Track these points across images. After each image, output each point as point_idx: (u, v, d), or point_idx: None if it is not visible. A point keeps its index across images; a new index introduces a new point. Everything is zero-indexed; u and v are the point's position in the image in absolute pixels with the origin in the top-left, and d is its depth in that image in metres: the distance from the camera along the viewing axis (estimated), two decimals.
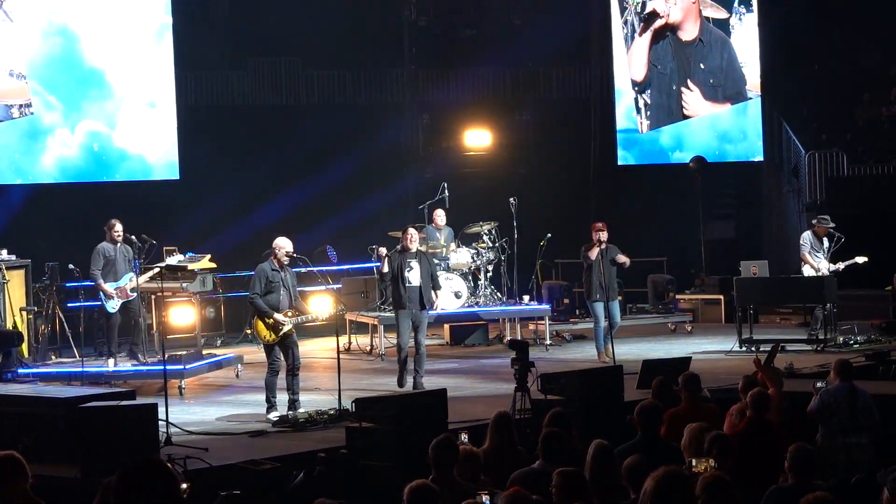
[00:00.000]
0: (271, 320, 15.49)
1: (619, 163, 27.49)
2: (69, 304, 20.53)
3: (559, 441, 10.26)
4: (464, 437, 11.59)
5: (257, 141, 24.33)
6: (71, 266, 19.88)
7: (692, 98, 27.56)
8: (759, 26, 27.70)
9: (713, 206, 26.35)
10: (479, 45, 27.26)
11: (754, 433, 11.33)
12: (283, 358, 15.67)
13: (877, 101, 26.69)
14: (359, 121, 25.27)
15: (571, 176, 26.18)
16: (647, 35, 27.57)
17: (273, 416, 15.28)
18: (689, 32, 27.97)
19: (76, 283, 20.22)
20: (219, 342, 21.36)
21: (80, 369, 18.45)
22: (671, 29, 27.74)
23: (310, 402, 15.94)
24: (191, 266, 19.76)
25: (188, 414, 15.47)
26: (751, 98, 28.01)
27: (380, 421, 13.17)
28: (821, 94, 26.57)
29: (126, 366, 18.74)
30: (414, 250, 16.86)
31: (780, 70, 27.65)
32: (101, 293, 18.97)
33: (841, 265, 20.42)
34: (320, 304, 18.90)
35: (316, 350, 20.69)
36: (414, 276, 16.73)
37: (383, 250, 17.36)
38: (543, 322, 21.51)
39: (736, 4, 27.78)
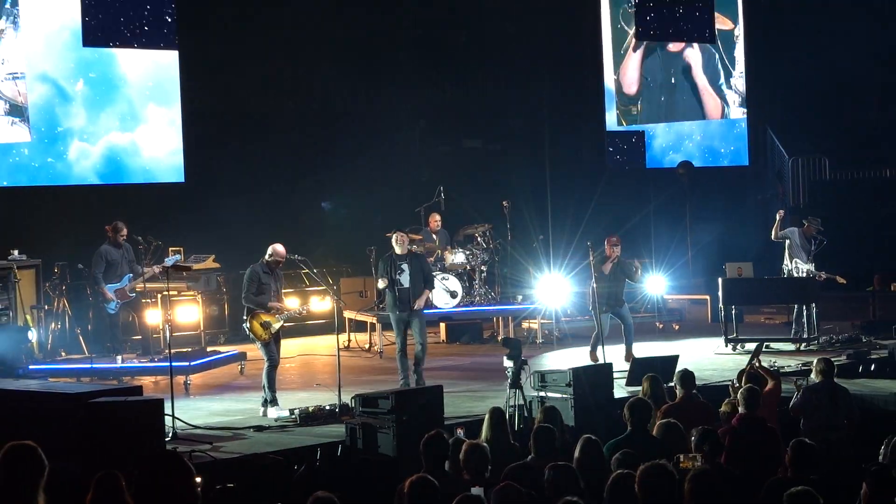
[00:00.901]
0: (262, 328, 15.62)
1: (610, 165, 27.59)
2: (77, 303, 20.51)
3: (549, 436, 10.32)
4: (459, 432, 11.67)
5: (259, 144, 24.29)
6: (80, 265, 19.95)
7: (681, 105, 27.66)
8: (744, 36, 27.79)
9: (700, 209, 26.37)
10: (473, 51, 27.25)
11: (747, 429, 11.39)
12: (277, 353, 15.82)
13: (858, 108, 26.76)
14: (357, 124, 25.27)
15: (563, 179, 26.15)
16: (640, 50, 27.69)
17: (273, 412, 15.34)
18: (676, 44, 28.03)
19: (84, 282, 20.25)
20: (222, 339, 21.40)
21: (89, 366, 18.53)
22: None
23: (311, 397, 16.02)
24: (195, 266, 19.84)
25: (193, 409, 15.52)
26: (734, 107, 28.14)
27: (378, 416, 13.24)
28: (804, 101, 26.59)
29: (133, 362, 18.80)
30: (403, 253, 16.91)
31: (765, 78, 27.69)
32: (103, 295, 19.06)
33: (823, 275, 20.47)
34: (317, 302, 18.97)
35: (316, 347, 20.72)
36: (405, 278, 16.81)
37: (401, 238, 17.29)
38: (536, 320, 21.57)
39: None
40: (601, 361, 17.53)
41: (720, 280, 21.09)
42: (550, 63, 26.91)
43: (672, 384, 13.99)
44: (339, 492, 8.01)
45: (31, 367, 18.21)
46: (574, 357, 18.84)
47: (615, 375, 15.49)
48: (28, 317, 19.49)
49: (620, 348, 18.76)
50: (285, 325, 16.24)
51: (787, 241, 20.71)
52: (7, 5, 22.00)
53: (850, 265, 20.91)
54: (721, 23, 28.05)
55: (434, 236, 21.69)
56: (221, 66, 24.01)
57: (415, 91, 25.98)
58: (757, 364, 14.54)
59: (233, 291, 20.96)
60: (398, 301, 16.88)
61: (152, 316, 19.37)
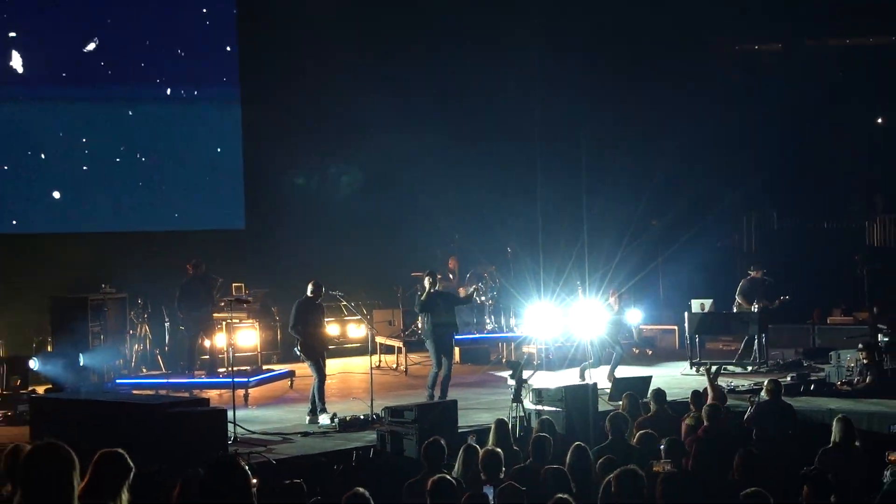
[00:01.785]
0: (308, 349, 15.72)
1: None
2: (156, 328, 20.56)
3: (545, 444, 10.34)
4: (471, 439, 11.68)
5: (306, 199, 24.32)
6: (160, 298, 20.04)
7: None
8: None
9: (668, 254, 26.35)
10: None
11: (711, 440, 11.42)
12: (324, 372, 15.87)
13: (802, 169, 26.73)
14: (385, 182, 25.27)
15: (555, 228, 26.12)
16: None
17: (321, 419, 15.38)
18: None
19: (163, 310, 20.32)
20: (275, 359, 21.41)
21: (166, 381, 18.58)
22: None
23: (348, 408, 16.04)
24: (253, 300, 19.92)
25: (251, 417, 15.56)
26: None
27: (404, 425, 13.28)
28: (756, 157, 26.55)
29: (202, 378, 18.85)
30: (437, 290, 16.92)
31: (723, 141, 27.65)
32: (181, 319, 19.16)
33: (770, 302, 20.61)
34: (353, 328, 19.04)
35: (353, 366, 20.74)
36: (439, 312, 16.77)
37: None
38: (533, 345, 21.57)
39: None
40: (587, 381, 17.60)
41: (686, 314, 21.16)
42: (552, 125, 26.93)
43: (646, 400, 14.03)
44: (370, 487, 8.06)
45: (118, 381, 18.29)
46: (565, 377, 18.82)
47: (599, 392, 15.48)
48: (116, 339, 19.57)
49: (603, 368, 18.78)
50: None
51: (739, 293, 20.97)
52: None
53: (794, 301, 20.88)
54: None
55: (451, 275, 21.74)
56: (279, 133, 24.10)
57: (438, 159, 26.04)
58: (717, 387, 14.67)
59: (284, 319, 20.97)
60: (434, 330, 16.85)
61: (218, 339, 19.42)
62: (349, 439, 14.25)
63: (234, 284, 20.42)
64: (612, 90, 25.35)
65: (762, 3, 26.57)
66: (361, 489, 7.94)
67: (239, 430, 14.20)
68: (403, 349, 21.10)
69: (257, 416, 15.90)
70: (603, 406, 15.05)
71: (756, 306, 20.59)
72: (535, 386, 15.33)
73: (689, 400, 13.94)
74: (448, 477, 8.63)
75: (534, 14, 25.60)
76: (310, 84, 24.35)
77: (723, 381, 16.59)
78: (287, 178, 24.32)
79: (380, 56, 24.28)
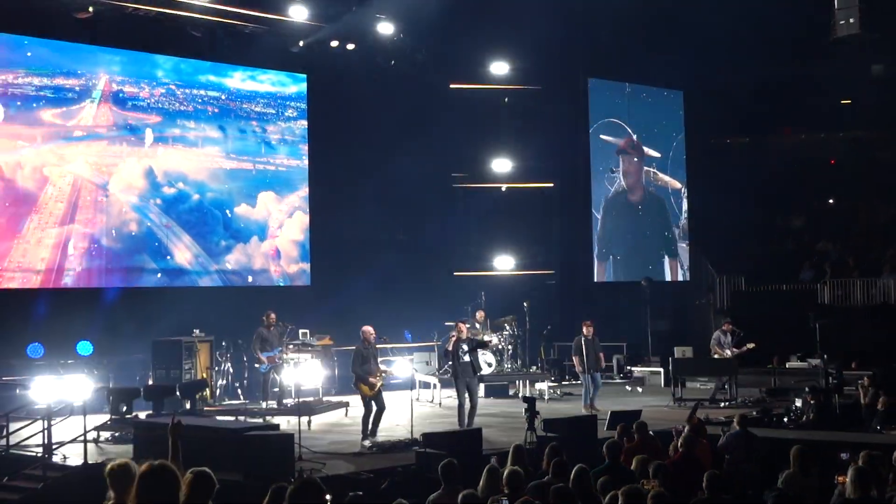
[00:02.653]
0: (366, 386, 15.68)
1: (596, 280, 27.56)
2: (237, 365, 20.57)
3: (563, 467, 10.24)
4: (493, 460, 11.57)
5: (359, 261, 24.36)
6: (240, 341, 20.07)
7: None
8: (687, 194, 27.80)
9: (656, 309, 26.31)
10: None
11: (685, 463, 11.30)
12: (374, 404, 15.78)
13: (766, 241, 26.71)
14: (426, 250, 25.34)
15: (564, 288, 26.12)
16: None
17: (367, 442, 15.32)
18: (636, 195, 28.05)
19: (242, 352, 20.35)
20: (333, 392, 21.34)
21: (244, 408, 18.57)
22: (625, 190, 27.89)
23: (391, 433, 15.97)
24: (317, 343, 19.92)
25: (313, 440, 15.46)
26: (679, 241, 28.12)
27: (438, 448, 13.19)
28: (727, 238, 26.53)
29: (273, 407, 18.82)
30: (465, 338, 16.87)
31: (700, 222, 27.66)
32: (257, 359, 19.19)
33: (739, 349, 20.56)
34: (396, 367, 19.00)
35: (396, 399, 20.70)
36: (465, 356, 16.67)
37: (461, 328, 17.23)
38: (545, 383, 21.51)
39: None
40: (594, 412, 17.55)
41: (671, 358, 21.15)
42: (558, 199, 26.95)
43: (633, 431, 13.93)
44: (411, 499, 8.03)
45: (205, 408, 18.28)
46: (570, 409, 18.73)
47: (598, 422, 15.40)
48: (204, 374, 19.57)
49: (600, 402, 18.75)
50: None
51: (713, 343, 20.89)
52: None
53: (759, 349, 20.84)
54: (672, 185, 28.13)
55: (478, 325, 21.71)
56: (338, 205, 24.25)
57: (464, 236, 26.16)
58: (695, 419, 14.52)
59: (341, 359, 20.98)
60: (461, 371, 16.68)
61: (287, 375, 19.39)
62: (393, 459, 14.15)
63: (300, 331, 20.45)
64: None
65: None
66: (404, 501, 7.94)
67: (303, 450, 14.14)
68: (438, 385, 21.05)
69: (318, 439, 15.81)
70: (601, 434, 14.95)
71: (728, 353, 20.58)
72: (546, 417, 15.27)
73: (671, 430, 13.85)
74: (474, 492, 8.59)
75: None
76: (363, 161, 24.56)
77: (700, 414, 16.43)
78: (344, 246, 24.37)
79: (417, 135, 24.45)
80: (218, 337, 20.29)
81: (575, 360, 19.84)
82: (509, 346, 22.16)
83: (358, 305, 21.59)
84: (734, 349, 20.66)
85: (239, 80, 23.60)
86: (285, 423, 16.47)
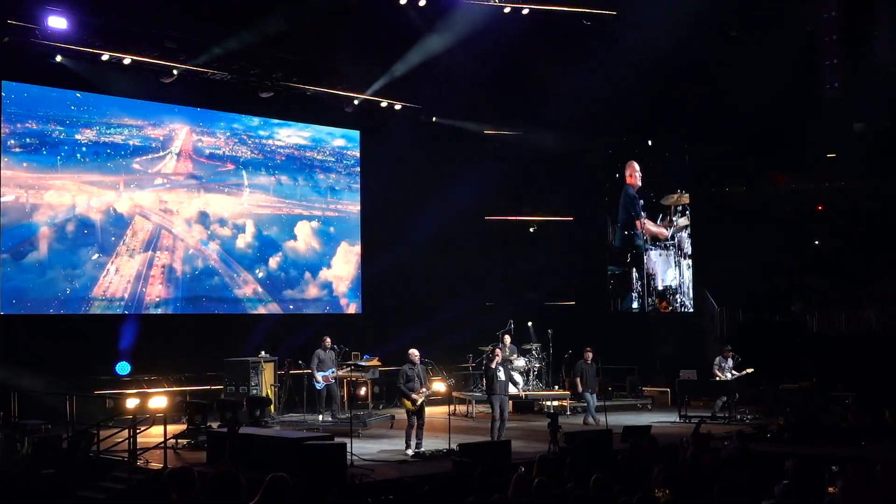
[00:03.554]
0: (410, 402, 15.58)
1: (611, 309, 27.42)
2: (297, 382, 20.53)
3: (582, 475, 10.09)
4: (521, 468, 11.43)
5: (402, 291, 24.38)
6: (300, 361, 20.04)
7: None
8: (691, 232, 27.58)
9: (663, 337, 26.11)
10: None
11: (694, 472, 11.11)
12: (416, 418, 15.67)
13: (761, 278, 26.46)
14: (461, 281, 25.29)
15: (585, 318, 25.92)
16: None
17: (410, 451, 15.22)
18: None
19: (302, 371, 20.32)
20: (381, 406, 21.29)
21: (303, 420, 18.52)
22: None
23: (431, 444, 15.86)
24: (366, 364, 19.87)
25: (363, 449, 15.38)
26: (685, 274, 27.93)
27: (472, 457, 13.07)
28: (727, 275, 26.28)
29: (328, 419, 18.76)
30: (498, 360, 16.78)
31: (705, 258, 27.42)
32: (314, 378, 19.16)
33: (739, 372, 20.36)
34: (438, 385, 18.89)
35: (436, 413, 20.57)
36: (501, 375, 16.56)
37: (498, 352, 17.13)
38: (566, 401, 21.33)
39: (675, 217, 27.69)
40: (595, 426, 17.48)
41: (677, 380, 20.94)
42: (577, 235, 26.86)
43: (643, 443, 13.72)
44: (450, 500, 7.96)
45: (269, 420, 18.25)
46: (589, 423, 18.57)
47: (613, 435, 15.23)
48: (268, 390, 19.55)
49: (614, 418, 18.55)
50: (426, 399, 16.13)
51: (715, 367, 20.67)
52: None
53: (755, 373, 20.66)
54: (661, 234, 27.90)
55: (507, 349, 21.57)
56: (385, 240, 24.31)
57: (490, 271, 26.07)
58: (701, 433, 14.32)
59: (387, 379, 20.91)
60: (496, 389, 16.58)
61: (341, 392, 19.34)
62: (433, 467, 14.05)
63: (352, 353, 20.41)
64: None
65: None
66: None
67: (354, 458, 14.06)
68: (472, 401, 20.92)
69: (367, 448, 15.73)
70: (616, 446, 14.77)
71: (728, 375, 20.37)
72: (567, 431, 15.11)
73: (678, 443, 13.65)
74: (507, 496, 8.49)
75: None
76: (408, 202, 24.63)
77: (703, 430, 16.18)
78: (391, 278, 24.38)
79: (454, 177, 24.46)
80: (281, 358, 20.27)
81: (577, 381, 20.03)
82: (535, 368, 22.00)
83: (403, 330, 21.50)
84: (734, 372, 20.46)
85: (301, 134, 23.82)
86: (338, 433, 16.45)
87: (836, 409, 19.06)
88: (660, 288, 27.42)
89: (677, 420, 19.65)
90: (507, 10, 21.89)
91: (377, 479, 12.75)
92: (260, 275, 22.72)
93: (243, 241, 22.54)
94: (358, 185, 24.71)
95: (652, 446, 12.75)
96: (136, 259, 20.75)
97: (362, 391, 20.86)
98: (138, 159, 20.97)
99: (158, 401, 17.04)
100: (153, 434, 15.03)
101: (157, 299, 21.06)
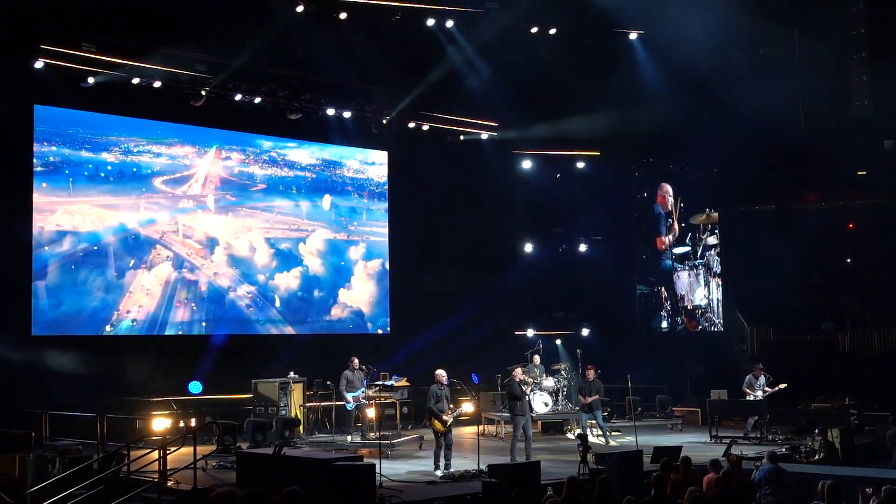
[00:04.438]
0: (439, 423, 15.53)
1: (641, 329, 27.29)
2: (326, 402, 20.54)
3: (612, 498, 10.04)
4: (549, 490, 11.38)
5: (433, 309, 24.37)
6: (328, 382, 20.05)
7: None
8: (721, 251, 27.41)
9: (693, 357, 25.92)
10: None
11: (724, 495, 11.05)
12: (444, 438, 15.61)
13: (792, 296, 26.28)
14: (491, 302, 25.22)
15: (614, 338, 25.78)
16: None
17: (439, 472, 15.17)
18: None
19: (331, 391, 20.33)
20: (409, 427, 21.24)
21: (332, 441, 18.51)
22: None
23: (460, 464, 15.78)
24: (395, 384, 19.86)
25: (392, 469, 15.32)
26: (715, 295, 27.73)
27: (502, 478, 12.99)
28: (757, 294, 26.10)
29: (357, 440, 18.73)
30: (522, 380, 16.72)
31: (735, 278, 27.26)
32: (343, 399, 19.14)
33: (773, 389, 20.19)
34: (466, 406, 18.85)
35: (464, 433, 20.49)
36: (522, 396, 16.54)
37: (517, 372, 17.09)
38: (595, 421, 21.16)
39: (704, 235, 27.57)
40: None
41: (707, 400, 20.78)
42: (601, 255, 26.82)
43: (677, 463, 13.59)
44: None
45: (298, 441, 18.26)
46: (616, 444, 18.42)
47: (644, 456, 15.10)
48: (297, 411, 19.56)
49: (644, 438, 18.31)
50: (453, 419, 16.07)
51: (745, 385, 20.50)
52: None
53: (786, 393, 20.46)
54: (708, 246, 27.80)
55: (535, 369, 21.50)
56: (416, 261, 24.34)
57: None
58: (732, 456, 14.23)
59: (415, 398, 20.88)
60: (521, 409, 16.56)
61: (369, 412, 19.33)
62: (463, 487, 13.98)
63: (381, 373, 20.40)
64: None
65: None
66: None
67: (383, 478, 14.01)
68: (501, 421, 20.82)
69: (396, 469, 15.68)
70: (646, 468, 14.64)
71: (759, 394, 20.18)
72: (597, 451, 15.01)
73: (708, 464, 13.53)
74: None
75: None
76: (437, 223, 24.64)
77: (734, 451, 16.05)
78: (419, 300, 24.42)
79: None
80: (310, 378, 20.30)
81: (580, 396, 19.99)
82: (564, 389, 21.89)
83: (431, 351, 21.48)
84: (766, 389, 20.26)
85: (329, 155, 23.94)
86: (367, 453, 16.39)
87: (871, 430, 18.84)
88: (689, 307, 27.27)
89: (708, 440, 19.47)
90: (533, 30, 21.89)
91: (406, 501, 12.72)
92: (287, 295, 22.80)
93: (270, 263, 22.62)
94: (386, 206, 24.79)
95: (686, 468, 12.67)
96: (161, 280, 20.86)
97: (391, 411, 20.84)
98: (165, 181, 21.13)
99: (188, 421, 17.08)
100: (183, 454, 15.05)
101: (184, 321, 21.16)
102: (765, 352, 24.80)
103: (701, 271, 27.37)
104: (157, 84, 19.80)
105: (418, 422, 21.13)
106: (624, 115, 23.86)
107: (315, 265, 23.41)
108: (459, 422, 18.94)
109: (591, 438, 18.78)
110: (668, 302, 27.47)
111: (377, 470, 13.49)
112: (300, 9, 19.39)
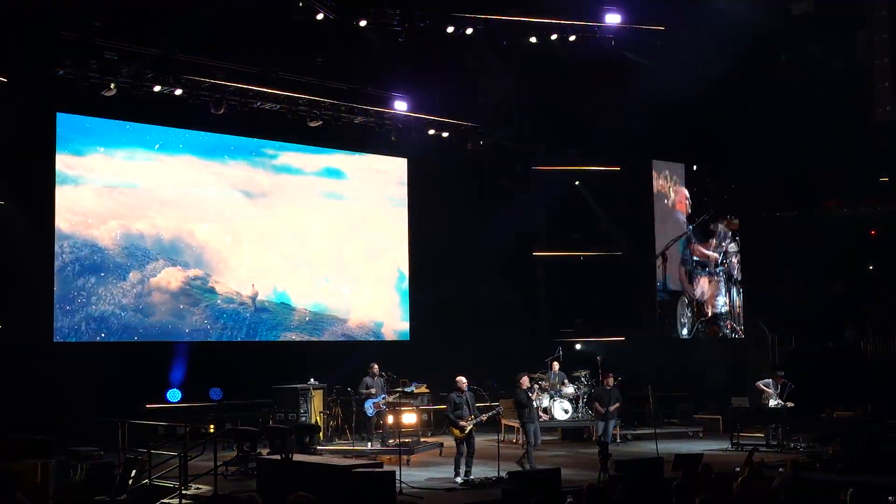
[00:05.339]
0: (458, 429, 15.52)
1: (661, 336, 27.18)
2: (346, 409, 20.59)
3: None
4: (569, 498, 11.37)
5: (453, 316, 24.40)
6: (349, 388, 20.10)
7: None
8: (742, 258, 27.34)
9: (714, 364, 25.83)
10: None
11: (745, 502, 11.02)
12: (465, 445, 15.60)
13: (816, 301, 26.19)
14: (509, 314, 25.21)
15: (632, 345, 25.71)
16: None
17: (459, 479, 15.17)
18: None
19: (350, 398, 20.36)
20: (429, 433, 21.25)
21: (351, 447, 18.54)
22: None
23: (480, 471, 15.78)
24: (415, 391, 19.87)
25: (411, 476, 15.37)
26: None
27: (522, 485, 12.98)
28: (780, 300, 26.03)
29: (376, 446, 18.75)
30: (528, 388, 16.69)
31: (755, 289, 27.20)
32: (362, 404, 19.19)
33: (790, 404, 20.09)
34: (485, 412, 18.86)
35: (484, 441, 20.49)
36: (533, 404, 16.56)
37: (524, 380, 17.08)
38: (616, 428, 21.13)
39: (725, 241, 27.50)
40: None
41: (729, 408, 20.70)
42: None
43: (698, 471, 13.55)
44: None
45: (318, 447, 18.29)
46: (637, 451, 18.38)
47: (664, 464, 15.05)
48: (317, 417, 19.61)
49: (665, 445, 18.22)
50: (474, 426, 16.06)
51: (760, 382, 20.41)
52: None
53: (807, 401, 20.39)
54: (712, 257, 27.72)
55: (555, 376, 21.49)
56: (435, 268, 24.40)
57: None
58: (754, 460, 14.13)
59: (436, 404, 20.89)
60: (529, 416, 16.57)
61: (389, 419, 19.37)
62: (482, 495, 14.01)
63: (401, 380, 20.43)
64: None
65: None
66: None
67: (403, 485, 14.03)
68: (521, 428, 20.76)
69: (416, 476, 15.71)
70: (667, 475, 14.60)
71: (773, 402, 20.10)
72: (617, 459, 14.96)
73: (730, 472, 13.48)
74: None
75: None
76: (455, 230, 24.72)
77: (755, 458, 15.94)
78: (438, 306, 24.45)
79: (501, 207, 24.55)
80: (329, 385, 20.35)
81: (596, 405, 19.95)
82: (584, 396, 21.87)
83: (451, 357, 21.52)
84: (780, 401, 20.18)
85: (348, 162, 24.00)
86: (387, 460, 16.41)
87: (894, 437, 18.73)
88: (710, 315, 27.19)
89: (729, 448, 19.40)
90: (553, 37, 21.89)
91: None
92: (306, 301, 22.85)
93: (289, 269, 22.69)
94: (405, 213, 24.82)
95: (706, 475, 12.63)
96: (182, 287, 20.97)
97: (410, 418, 20.88)
98: (187, 188, 21.25)
99: (209, 427, 17.14)
100: (203, 461, 15.12)
101: (204, 327, 21.26)
102: (786, 360, 24.71)
103: (722, 278, 27.30)
104: (178, 92, 19.91)
105: (438, 428, 21.15)
106: (643, 122, 23.81)
107: (335, 271, 23.45)
108: (481, 429, 18.94)
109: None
110: (689, 309, 27.39)
111: (397, 477, 13.52)
112: (320, 16, 19.47)
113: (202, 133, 21.54)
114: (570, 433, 21.65)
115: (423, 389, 20.80)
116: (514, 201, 25.64)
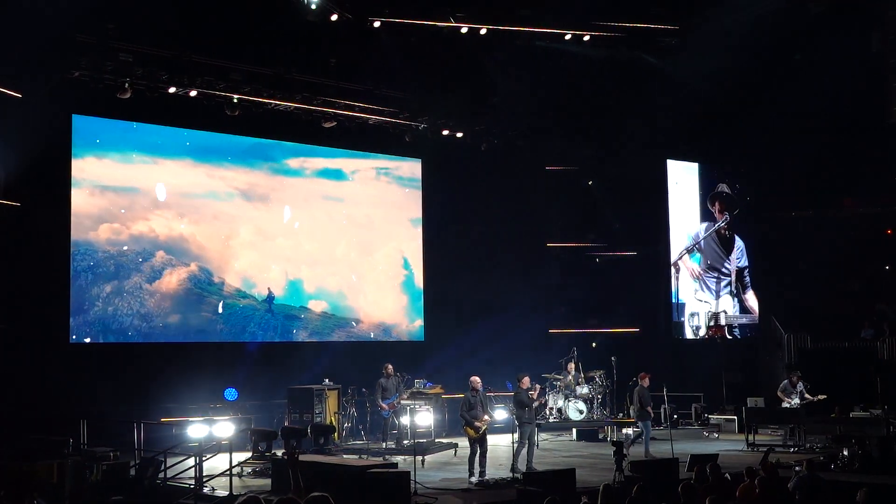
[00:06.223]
0: (472, 429, 15.52)
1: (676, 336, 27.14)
2: (361, 410, 20.58)
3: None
4: (584, 498, 11.36)
5: (467, 316, 24.38)
6: (364, 389, 20.12)
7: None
8: (757, 258, 27.29)
9: (729, 364, 25.75)
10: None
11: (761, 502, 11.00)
12: (479, 446, 15.60)
13: (832, 300, 26.10)
14: (524, 309, 25.18)
15: (649, 345, 25.66)
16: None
17: (473, 479, 15.17)
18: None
19: (365, 399, 20.38)
20: (444, 434, 21.21)
21: (366, 448, 18.56)
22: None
23: (494, 472, 15.79)
24: (429, 391, 19.88)
25: (426, 476, 15.36)
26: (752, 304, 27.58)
27: (536, 485, 13.00)
28: (796, 298, 25.95)
29: (391, 446, 18.77)
30: (528, 388, 16.67)
31: (769, 289, 27.12)
32: (378, 406, 19.21)
33: (811, 397, 20.14)
34: (499, 413, 18.87)
35: (498, 441, 20.49)
36: (533, 405, 16.58)
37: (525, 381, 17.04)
38: (631, 429, 21.08)
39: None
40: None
41: (744, 407, 20.64)
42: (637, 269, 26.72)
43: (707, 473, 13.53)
44: None
45: (333, 448, 18.32)
46: (655, 452, 18.33)
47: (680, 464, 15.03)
48: (332, 418, 19.64)
49: (680, 446, 18.21)
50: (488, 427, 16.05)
51: (780, 390, 20.36)
52: None
53: (825, 400, 20.31)
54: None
55: (570, 377, 21.47)
56: (450, 268, 24.41)
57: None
58: (769, 462, 14.12)
59: (450, 405, 20.89)
60: (528, 417, 16.51)
61: (404, 419, 19.38)
62: (497, 495, 14.00)
63: (415, 380, 20.46)
64: None
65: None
66: None
67: (417, 486, 14.04)
68: (536, 429, 20.69)
69: (430, 476, 15.70)
70: (682, 475, 14.57)
71: (794, 401, 20.04)
72: (632, 459, 14.96)
73: (744, 472, 13.45)
74: None
75: None
76: (470, 230, 24.68)
77: (771, 459, 15.92)
78: (453, 306, 24.46)
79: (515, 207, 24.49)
80: (345, 385, 20.37)
81: (648, 409, 19.41)
82: (599, 396, 21.84)
83: (465, 358, 21.51)
84: (807, 396, 20.18)
85: (363, 163, 24.02)
86: (402, 461, 16.42)
87: None
88: (725, 314, 27.09)
89: (745, 448, 19.34)
90: (567, 37, 21.88)
91: None
92: (321, 303, 22.89)
93: (303, 270, 22.73)
94: (420, 213, 24.83)
95: (716, 475, 12.60)
96: (197, 288, 21.03)
97: (425, 418, 20.88)
98: (200, 191, 21.31)
99: (224, 428, 17.17)
100: (218, 461, 15.17)
101: (219, 328, 21.32)
102: (801, 359, 24.65)
103: (735, 286, 27.27)
104: (193, 93, 19.97)
105: (453, 429, 21.14)
106: (658, 122, 23.79)
107: (349, 272, 23.48)
108: (495, 429, 18.95)
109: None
110: (706, 309, 27.33)
111: (412, 477, 13.54)
112: (335, 17, 19.50)
113: (214, 134, 21.50)
114: (585, 434, 21.61)
115: (438, 390, 20.81)
116: (529, 202, 25.64)
